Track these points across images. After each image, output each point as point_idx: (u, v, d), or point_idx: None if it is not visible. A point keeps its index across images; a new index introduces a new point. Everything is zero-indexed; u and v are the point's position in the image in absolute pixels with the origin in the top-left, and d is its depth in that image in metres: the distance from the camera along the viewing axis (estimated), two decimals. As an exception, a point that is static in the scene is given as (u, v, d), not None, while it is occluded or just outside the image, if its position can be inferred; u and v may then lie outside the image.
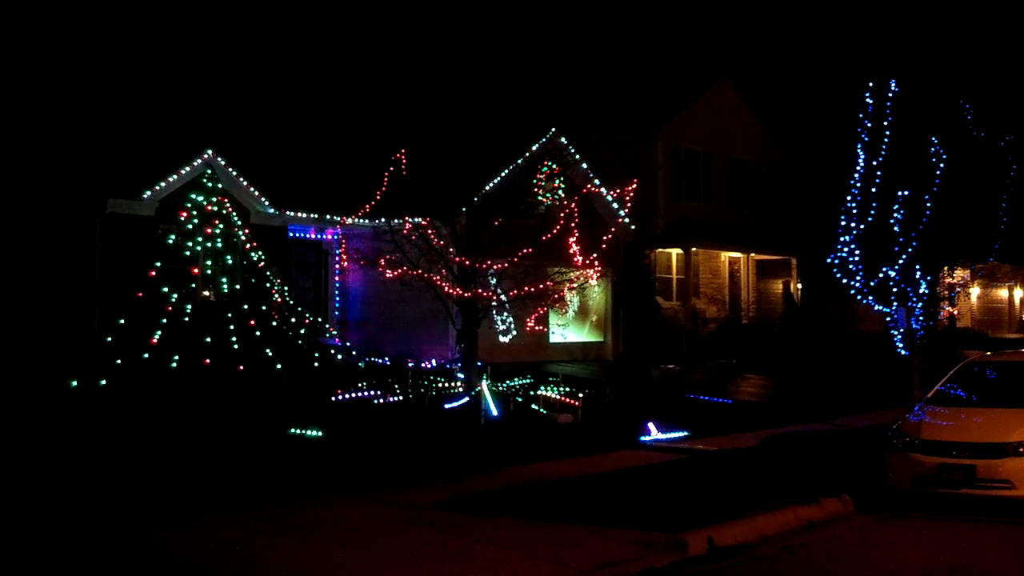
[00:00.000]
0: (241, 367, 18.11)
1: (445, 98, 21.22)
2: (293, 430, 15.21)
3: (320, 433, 14.97)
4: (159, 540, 9.40)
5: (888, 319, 17.72)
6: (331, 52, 28.92)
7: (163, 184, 20.53)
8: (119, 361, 17.80)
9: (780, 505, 11.03)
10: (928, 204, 17.10)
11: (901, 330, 17.33)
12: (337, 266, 24.71)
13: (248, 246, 19.95)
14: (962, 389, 13.31)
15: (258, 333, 19.04)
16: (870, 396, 21.19)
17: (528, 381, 20.09)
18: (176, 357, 17.88)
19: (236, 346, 18.35)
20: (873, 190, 17.37)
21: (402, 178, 19.02)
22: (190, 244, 19.17)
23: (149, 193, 20.40)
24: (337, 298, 25.03)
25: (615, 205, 25.38)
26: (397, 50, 25.59)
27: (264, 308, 19.44)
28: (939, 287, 18.75)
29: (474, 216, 19.03)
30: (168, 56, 26.33)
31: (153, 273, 19.00)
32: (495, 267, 18.98)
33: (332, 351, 21.45)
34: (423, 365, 21.91)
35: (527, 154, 21.74)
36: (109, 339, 18.27)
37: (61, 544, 9.32)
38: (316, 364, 19.53)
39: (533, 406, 18.14)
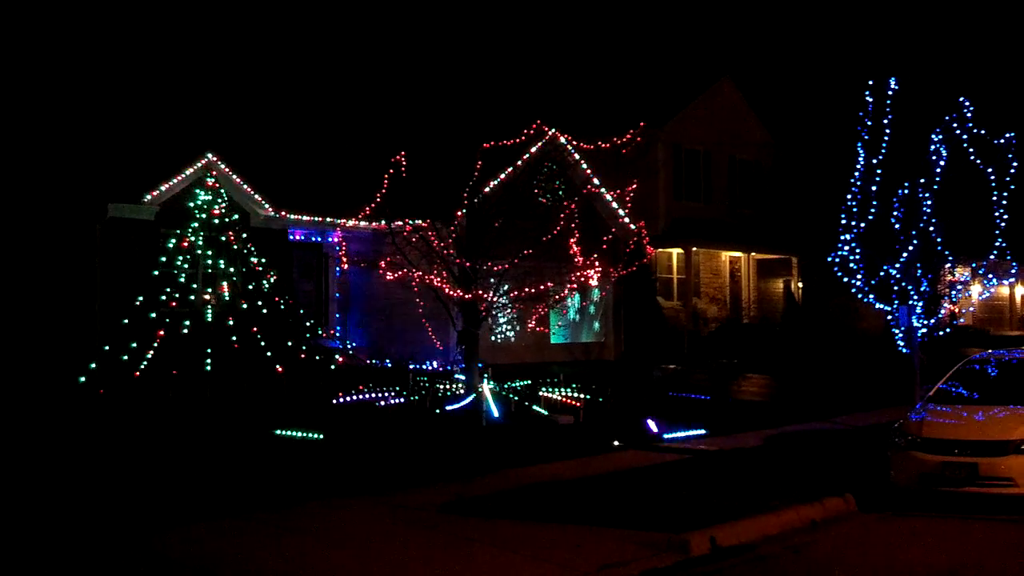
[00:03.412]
0: (242, 371, 18.10)
1: (444, 99, 21.24)
2: (295, 433, 15.20)
3: (322, 436, 14.96)
4: (161, 545, 9.40)
5: (889, 317, 17.66)
6: (331, 55, 28.94)
7: (163, 188, 20.53)
8: (120, 365, 17.79)
9: (783, 505, 11.02)
10: (929, 202, 17.07)
11: (902, 328, 17.28)
12: (338, 269, 24.70)
13: (249, 249, 19.94)
14: (964, 387, 13.29)
15: (259, 336, 19.04)
16: (872, 395, 21.16)
17: (529, 382, 20.08)
18: (177, 361, 17.87)
19: (237, 349, 18.34)
20: (873, 188, 17.35)
21: (402, 180, 19.03)
22: (191, 248, 19.16)
23: (149, 197, 20.40)
24: (338, 300, 25.03)
25: (615, 205, 25.36)
26: (397, 52, 25.60)
27: (265, 311, 19.42)
28: (940, 285, 18.68)
29: (474, 217, 19.03)
30: (168, 59, 26.35)
31: (154, 277, 18.99)
32: (496, 268, 18.97)
33: (334, 354, 21.44)
34: (424, 367, 21.90)
35: (527, 155, 21.73)
36: (110, 343, 18.25)
37: (65, 549, 9.32)
38: (318, 367, 19.52)
39: (534, 407, 18.13)
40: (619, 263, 24.27)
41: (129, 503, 10.98)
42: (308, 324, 21.06)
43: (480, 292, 18.53)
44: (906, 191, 17.26)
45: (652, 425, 16.38)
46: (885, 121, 17.41)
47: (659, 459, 14.47)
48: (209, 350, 18.14)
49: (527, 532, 10.00)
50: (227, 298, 19.13)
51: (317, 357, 20.11)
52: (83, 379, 17.47)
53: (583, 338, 27.20)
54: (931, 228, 17.12)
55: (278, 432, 15.31)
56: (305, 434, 15.13)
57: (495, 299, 19.14)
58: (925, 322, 17.34)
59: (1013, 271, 18.59)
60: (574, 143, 22.91)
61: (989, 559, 9.60)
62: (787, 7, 46.89)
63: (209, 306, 18.82)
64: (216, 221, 19.42)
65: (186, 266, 18.99)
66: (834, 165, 21.30)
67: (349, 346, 23.28)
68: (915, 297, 17.16)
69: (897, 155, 17.49)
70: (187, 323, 18.46)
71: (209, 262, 19.10)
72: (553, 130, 22.55)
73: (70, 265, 20.11)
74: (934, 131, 17.40)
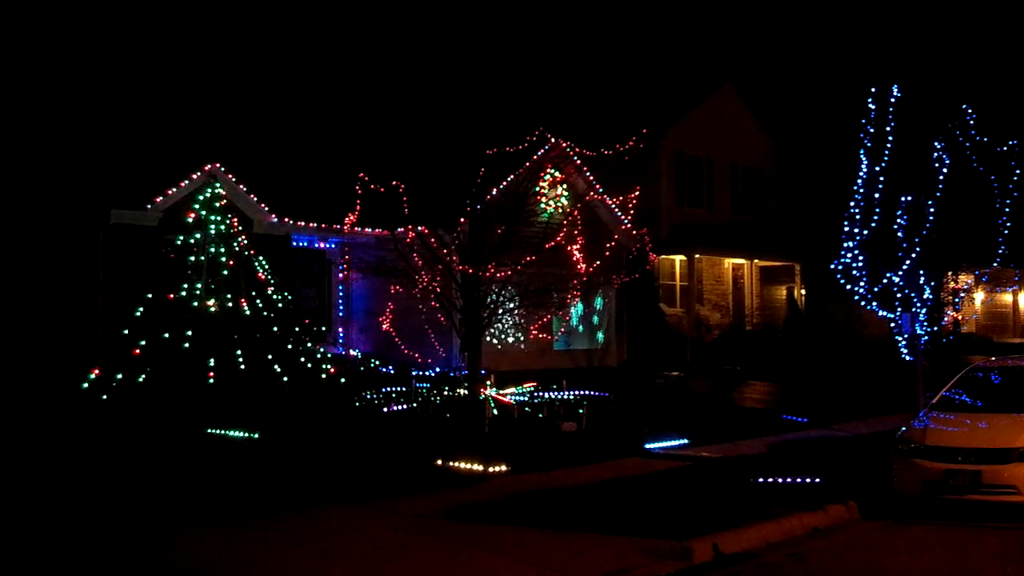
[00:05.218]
0: (245, 377, 18.09)
1: (447, 106, 21.26)
2: (297, 439, 15.20)
3: (324, 442, 14.96)
4: (159, 550, 9.40)
5: (892, 325, 17.66)
6: (334, 63, 29.00)
7: (167, 195, 20.53)
8: (121, 375, 17.78)
9: (786, 512, 11.01)
10: (932, 209, 17.08)
11: (905, 336, 17.28)
12: (341, 275, 24.71)
13: (251, 256, 19.95)
14: (967, 394, 13.29)
15: (262, 343, 19.03)
16: (875, 402, 21.14)
17: (532, 388, 20.07)
18: (180, 368, 17.86)
19: (240, 356, 18.34)
20: (876, 195, 17.36)
21: (405, 187, 19.05)
22: (194, 254, 19.18)
23: (153, 204, 20.41)
24: (341, 307, 25.04)
25: (618, 212, 25.37)
26: (400, 59, 25.65)
27: (268, 318, 19.41)
28: (943, 292, 18.71)
29: (477, 224, 19.04)
30: (172, 67, 26.40)
31: (157, 283, 18.99)
32: (498, 275, 18.97)
33: (336, 360, 21.43)
34: (427, 373, 21.89)
35: (529, 162, 21.74)
36: (112, 349, 18.25)
37: (68, 555, 9.33)
38: (320, 374, 19.52)
39: (537, 414, 18.12)
40: (622, 270, 24.25)
41: (128, 507, 10.98)
42: (311, 330, 21.06)
43: (482, 298, 18.53)
44: (909, 198, 17.27)
45: (655, 432, 16.37)
46: (888, 128, 17.42)
47: (662, 466, 14.47)
48: (212, 357, 18.12)
49: (529, 539, 9.99)
50: (230, 305, 19.12)
51: (320, 363, 20.09)
52: (85, 385, 17.46)
53: (586, 345, 27.18)
54: (934, 235, 17.13)
55: (280, 438, 15.30)
56: (306, 440, 15.13)
57: (497, 306, 19.14)
58: (928, 329, 17.34)
59: (1016, 278, 18.57)
60: (577, 150, 22.93)
61: (991, 567, 9.58)
62: (789, 14, 46.95)
63: (212, 312, 18.80)
64: (219, 228, 19.42)
65: (189, 273, 18.98)
66: (837, 172, 21.32)
67: (352, 352, 23.27)
68: (918, 304, 17.16)
69: (900, 162, 17.52)
70: (189, 330, 18.44)
71: (212, 269, 19.08)
72: (555, 137, 22.54)
73: (73, 271, 20.12)
74: (937, 138, 17.42)
